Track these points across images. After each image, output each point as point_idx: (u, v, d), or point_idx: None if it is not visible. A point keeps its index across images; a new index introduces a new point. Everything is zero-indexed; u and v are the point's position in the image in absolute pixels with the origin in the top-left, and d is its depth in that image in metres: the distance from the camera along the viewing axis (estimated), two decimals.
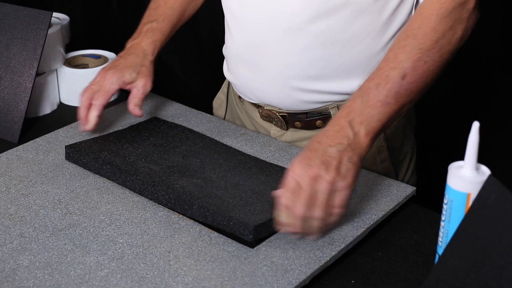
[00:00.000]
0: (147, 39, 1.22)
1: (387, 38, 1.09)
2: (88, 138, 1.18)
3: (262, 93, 1.17)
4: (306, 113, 1.17)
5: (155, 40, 1.23)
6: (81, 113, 1.17)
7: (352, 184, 0.88)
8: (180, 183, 1.01)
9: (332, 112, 1.15)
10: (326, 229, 0.91)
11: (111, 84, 1.17)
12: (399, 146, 1.23)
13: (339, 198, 0.88)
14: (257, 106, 1.22)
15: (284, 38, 1.09)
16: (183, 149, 1.12)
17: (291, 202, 0.87)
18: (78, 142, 1.14)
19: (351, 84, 1.11)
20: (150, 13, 1.26)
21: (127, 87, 1.19)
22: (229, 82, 1.31)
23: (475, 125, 0.77)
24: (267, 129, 1.23)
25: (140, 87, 1.18)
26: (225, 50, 1.24)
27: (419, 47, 0.94)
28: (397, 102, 0.93)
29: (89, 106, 1.17)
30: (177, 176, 1.03)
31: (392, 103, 0.92)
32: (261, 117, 1.22)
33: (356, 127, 0.91)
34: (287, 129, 1.20)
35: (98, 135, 1.19)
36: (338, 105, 1.15)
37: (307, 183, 0.86)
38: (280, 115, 1.18)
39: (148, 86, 1.19)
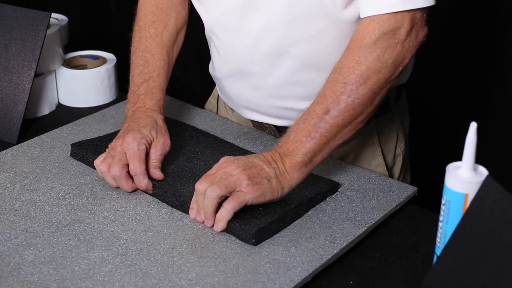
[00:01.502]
0: (149, 100, 1.13)
1: None
2: (92, 136, 1.19)
3: (252, 112, 1.17)
4: None
5: (158, 100, 1.14)
6: (126, 187, 1.02)
7: (252, 198, 0.93)
8: (186, 188, 1.02)
9: None
10: (212, 217, 0.94)
11: (138, 145, 1.03)
12: (393, 149, 1.24)
13: (232, 199, 0.93)
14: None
15: (271, 61, 1.08)
16: (186, 150, 1.13)
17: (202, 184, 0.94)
18: (84, 140, 1.15)
19: None
20: (140, 71, 1.15)
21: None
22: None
23: (473, 126, 0.78)
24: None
25: (159, 147, 1.06)
26: (212, 71, 1.21)
27: (343, 82, 0.95)
28: (322, 136, 0.95)
29: (126, 176, 1.02)
30: (183, 182, 1.04)
31: (317, 137, 0.95)
32: (254, 126, 1.23)
33: (284, 159, 0.96)
34: (280, 137, 1.21)
35: (101, 135, 1.20)
36: None
37: (220, 172, 0.94)
38: (273, 125, 1.19)
39: (168, 145, 1.08)
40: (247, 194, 0.93)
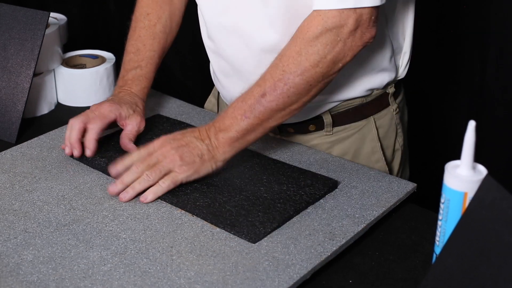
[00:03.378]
0: (135, 86, 1.22)
1: (365, 51, 1.09)
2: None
3: None
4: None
5: (143, 87, 1.23)
6: (72, 136, 1.11)
7: (185, 177, 1.01)
8: (183, 190, 1.03)
9: (324, 117, 1.17)
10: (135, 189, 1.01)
11: (109, 112, 1.15)
12: (392, 144, 1.25)
13: (167, 178, 1.00)
14: None
15: (263, 58, 1.09)
16: None
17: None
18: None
19: (341, 92, 1.14)
20: (131, 58, 1.24)
21: (121, 123, 1.17)
22: None
23: (471, 124, 0.78)
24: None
25: (135, 124, 1.16)
26: (211, 65, 1.25)
27: (283, 69, 0.99)
28: (256, 117, 1.01)
29: (82, 129, 1.12)
30: (180, 184, 1.04)
31: (251, 117, 1.01)
32: None
33: (218, 133, 1.03)
34: (279, 135, 1.22)
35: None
36: (329, 110, 1.17)
37: (158, 153, 1.01)
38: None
39: (142, 125, 1.18)
40: (180, 174, 1.01)
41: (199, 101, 1.41)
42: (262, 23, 1.07)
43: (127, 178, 1.01)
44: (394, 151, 1.25)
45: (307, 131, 1.19)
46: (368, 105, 1.18)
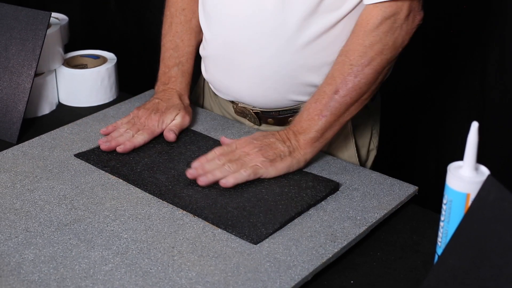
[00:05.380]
0: (179, 84, 1.26)
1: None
2: (94, 140, 1.19)
3: (236, 92, 1.21)
4: (278, 111, 1.21)
5: (187, 84, 1.28)
6: (121, 140, 1.14)
7: (266, 172, 1.04)
8: (185, 192, 1.03)
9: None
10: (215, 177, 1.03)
11: (155, 128, 1.18)
12: (367, 144, 1.28)
13: (250, 167, 1.03)
14: (231, 101, 1.25)
15: (259, 40, 1.12)
16: (187, 156, 1.14)
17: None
18: (87, 150, 1.15)
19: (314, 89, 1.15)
20: (171, 54, 1.28)
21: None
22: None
23: (474, 125, 0.78)
24: (241, 123, 1.27)
25: (179, 121, 1.20)
26: (202, 50, 1.27)
27: (350, 63, 1.05)
28: (333, 114, 1.06)
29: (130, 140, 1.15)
30: (183, 185, 1.05)
31: (328, 115, 1.06)
32: (235, 112, 1.26)
33: (298, 136, 1.07)
34: (260, 125, 1.24)
35: (102, 138, 1.20)
36: None
37: (239, 151, 1.05)
38: (254, 112, 1.22)
39: (187, 121, 1.21)
40: (262, 169, 1.03)
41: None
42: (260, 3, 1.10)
43: (208, 166, 1.04)
44: (368, 151, 1.29)
45: (286, 123, 1.22)
46: None
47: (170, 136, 1.17)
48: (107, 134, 1.18)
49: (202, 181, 1.02)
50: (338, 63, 1.06)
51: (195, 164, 1.05)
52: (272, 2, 1.08)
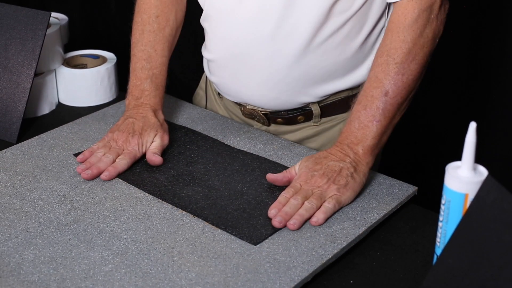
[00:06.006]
0: (153, 98, 1.19)
1: (360, 40, 1.13)
2: (93, 139, 1.19)
3: (245, 95, 1.19)
4: (287, 111, 1.20)
5: (161, 98, 1.21)
6: (101, 166, 1.07)
7: (347, 198, 0.99)
8: (185, 193, 1.03)
9: (313, 108, 1.19)
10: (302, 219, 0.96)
11: (136, 152, 1.11)
12: None
13: (332, 198, 0.98)
14: (238, 104, 1.24)
15: (268, 46, 1.11)
16: (186, 155, 1.14)
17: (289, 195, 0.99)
18: (86, 151, 1.15)
19: (332, 86, 1.15)
20: (143, 66, 1.20)
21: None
22: (206, 77, 1.33)
23: (472, 126, 0.78)
24: (249, 124, 1.26)
25: (159, 142, 1.13)
26: (206, 53, 1.23)
27: (395, 62, 1.03)
28: (386, 117, 1.03)
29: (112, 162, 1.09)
30: (182, 185, 1.05)
31: (382, 119, 1.03)
32: (243, 114, 1.25)
33: (354, 148, 1.03)
34: (269, 125, 1.23)
35: (102, 137, 1.20)
36: (318, 102, 1.18)
37: (308, 187, 0.99)
38: (262, 113, 1.21)
39: (166, 140, 1.15)
40: (342, 196, 0.99)
41: None
42: (263, 6, 1.08)
43: (290, 209, 0.96)
44: None
45: (295, 122, 1.21)
46: (354, 97, 1.19)
47: (157, 160, 1.10)
48: (84, 161, 1.10)
49: (294, 225, 0.94)
50: (381, 64, 1.03)
51: (273, 211, 0.97)
52: (281, 5, 1.07)
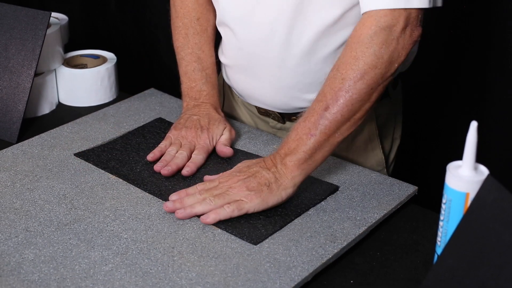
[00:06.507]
0: (212, 97, 1.22)
1: None
2: (94, 139, 1.20)
3: (259, 99, 1.20)
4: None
5: (218, 96, 1.25)
6: (178, 163, 1.09)
7: (252, 206, 0.97)
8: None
9: None
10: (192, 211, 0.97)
11: (208, 146, 1.14)
12: (391, 134, 1.27)
13: (234, 203, 0.97)
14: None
15: (282, 51, 1.10)
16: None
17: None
18: (87, 150, 1.16)
19: None
20: (195, 67, 1.23)
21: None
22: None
23: (473, 125, 0.78)
24: (265, 121, 1.27)
25: (227, 136, 1.17)
26: (222, 57, 1.25)
27: (341, 78, 0.97)
28: (322, 133, 0.98)
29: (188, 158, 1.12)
30: (183, 185, 1.05)
31: (317, 134, 0.98)
32: (258, 112, 1.26)
33: (285, 158, 0.99)
34: (284, 123, 1.24)
35: (102, 137, 1.20)
36: None
37: (222, 186, 0.99)
38: (278, 113, 1.22)
39: (234, 134, 1.18)
40: (247, 203, 0.97)
41: None
42: (277, 14, 1.08)
43: (188, 200, 0.98)
44: (392, 140, 1.27)
45: None
46: None
47: (228, 151, 1.14)
48: (155, 160, 1.12)
49: (180, 214, 0.97)
50: (329, 78, 0.99)
51: (173, 196, 1.00)
52: (292, 12, 1.06)
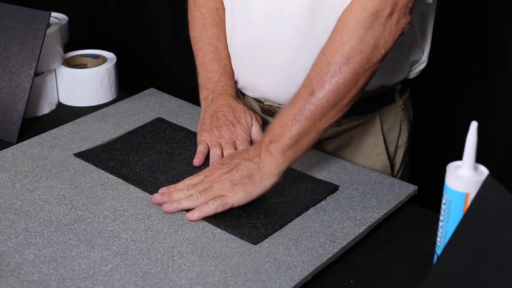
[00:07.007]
0: (230, 87, 1.21)
1: None
2: (93, 139, 1.19)
3: (262, 89, 1.19)
4: None
5: (235, 86, 1.23)
6: (214, 158, 1.10)
7: (236, 200, 0.98)
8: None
9: None
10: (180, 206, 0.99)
11: (247, 137, 1.15)
12: (395, 140, 1.25)
13: (218, 199, 0.97)
14: (257, 100, 1.25)
15: (286, 36, 1.10)
16: (187, 156, 1.14)
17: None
18: (86, 150, 1.15)
19: None
20: (212, 58, 1.22)
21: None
22: None
23: (473, 125, 0.78)
24: (268, 122, 1.26)
25: (258, 127, 1.17)
26: (229, 46, 1.25)
27: (327, 62, 0.97)
28: (308, 118, 0.97)
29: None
30: None
31: (302, 120, 0.97)
32: (261, 111, 1.25)
33: (270, 146, 0.98)
34: None
35: (102, 137, 1.20)
36: None
37: (208, 180, 1.00)
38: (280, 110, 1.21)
39: (261, 121, 1.19)
40: (231, 197, 0.97)
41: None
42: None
43: (176, 195, 1.00)
44: (397, 147, 1.26)
45: None
46: (374, 99, 1.19)
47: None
48: (202, 165, 1.12)
49: (166, 208, 0.98)
50: (316, 63, 0.98)
51: (162, 189, 1.02)
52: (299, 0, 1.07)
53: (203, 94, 1.22)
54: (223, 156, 1.11)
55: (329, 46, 0.97)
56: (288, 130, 0.97)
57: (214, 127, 1.15)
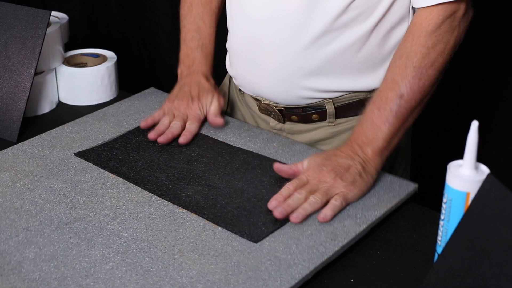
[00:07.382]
0: (204, 66, 1.27)
1: (380, 37, 1.12)
2: (94, 139, 1.19)
3: (259, 88, 1.20)
4: (302, 108, 1.20)
5: (211, 65, 1.29)
6: (173, 132, 1.16)
7: (353, 195, 0.99)
8: (185, 192, 1.03)
9: (327, 107, 1.18)
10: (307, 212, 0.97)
11: (200, 115, 1.21)
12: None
13: (339, 196, 0.98)
14: (255, 99, 1.25)
15: (283, 36, 1.11)
16: (187, 154, 1.14)
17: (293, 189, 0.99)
18: (87, 149, 1.16)
19: (347, 82, 1.15)
20: (193, 36, 1.28)
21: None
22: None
23: (474, 124, 0.78)
24: (266, 121, 1.27)
25: (216, 105, 1.22)
26: (227, 44, 1.27)
27: (413, 66, 1.03)
28: (398, 120, 1.04)
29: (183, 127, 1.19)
30: (183, 184, 1.05)
31: (394, 122, 1.03)
32: (259, 110, 1.26)
33: (364, 148, 1.03)
34: (284, 122, 1.23)
35: (102, 137, 1.20)
36: (333, 100, 1.18)
37: (314, 182, 0.99)
38: (277, 109, 1.22)
39: (222, 101, 1.23)
40: (349, 193, 0.99)
41: None
42: None
43: (293, 202, 0.97)
44: (397, 151, 1.25)
45: (310, 120, 1.21)
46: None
47: (220, 121, 1.19)
48: (147, 127, 1.20)
49: (297, 218, 0.95)
50: (399, 66, 1.04)
51: (273, 203, 0.97)
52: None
53: (180, 69, 1.29)
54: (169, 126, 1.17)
55: (412, 50, 1.03)
56: (381, 132, 1.03)
57: (176, 98, 1.22)
